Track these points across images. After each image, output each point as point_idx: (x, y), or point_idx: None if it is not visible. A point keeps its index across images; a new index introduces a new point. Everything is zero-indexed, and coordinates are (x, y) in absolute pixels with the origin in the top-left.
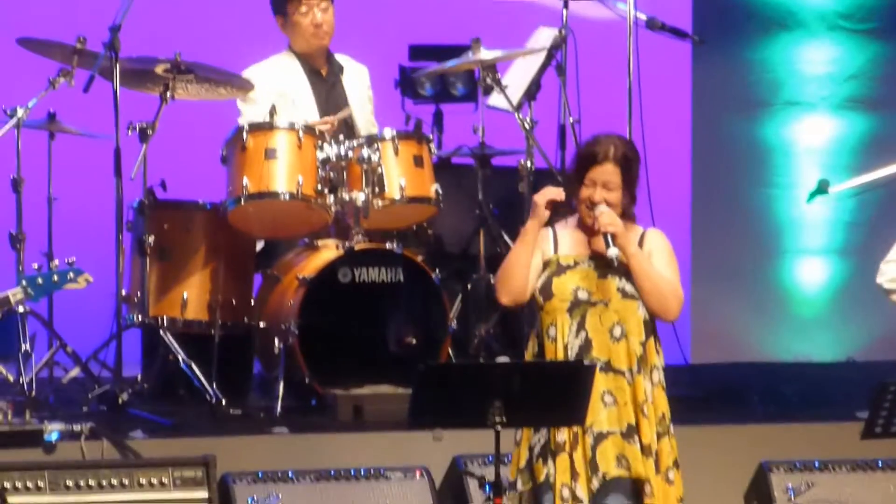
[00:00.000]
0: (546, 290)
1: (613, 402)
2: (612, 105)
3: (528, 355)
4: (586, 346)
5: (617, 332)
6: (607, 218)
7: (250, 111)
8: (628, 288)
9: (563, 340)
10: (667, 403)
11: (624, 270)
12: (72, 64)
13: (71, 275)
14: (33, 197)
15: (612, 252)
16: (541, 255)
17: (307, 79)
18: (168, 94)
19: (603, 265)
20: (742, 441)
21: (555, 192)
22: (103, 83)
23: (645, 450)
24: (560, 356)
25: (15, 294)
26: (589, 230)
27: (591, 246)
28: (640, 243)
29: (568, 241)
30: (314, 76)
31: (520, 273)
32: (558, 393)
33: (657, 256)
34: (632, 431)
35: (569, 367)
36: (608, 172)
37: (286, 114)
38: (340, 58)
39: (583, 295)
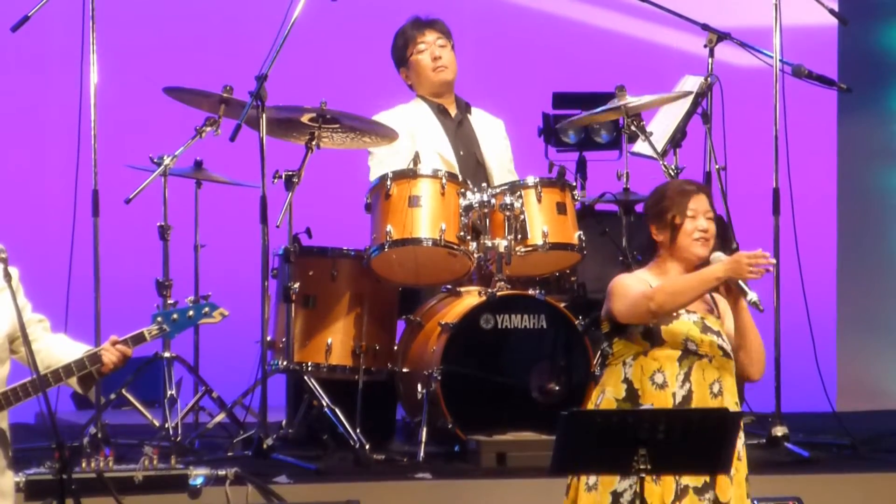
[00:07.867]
0: (654, 336)
1: None
2: (757, 152)
3: (611, 398)
4: (688, 397)
5: (716, 388)
6: None
7: (381, 153)
8: (726, 347)
9: (671, 389)
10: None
11: (718, 330)
12: (218, 113)
13: (206, 309)
14: (180, 244)
15: (753, 297)
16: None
17: (436, 117)
18: (313, 143)
19: (703, 322)
20: (892, 489)
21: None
22: (249, 132)
23: None
24: (669, 405)
25: (150, 331)
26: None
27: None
28: None
29: None
30: (442, 115)
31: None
32: (703, 441)
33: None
34: (707, 487)
35: (715, 415)
36: (705, 202)
37: (417, 154)
38: (476, 111)
39: (692, 346)
